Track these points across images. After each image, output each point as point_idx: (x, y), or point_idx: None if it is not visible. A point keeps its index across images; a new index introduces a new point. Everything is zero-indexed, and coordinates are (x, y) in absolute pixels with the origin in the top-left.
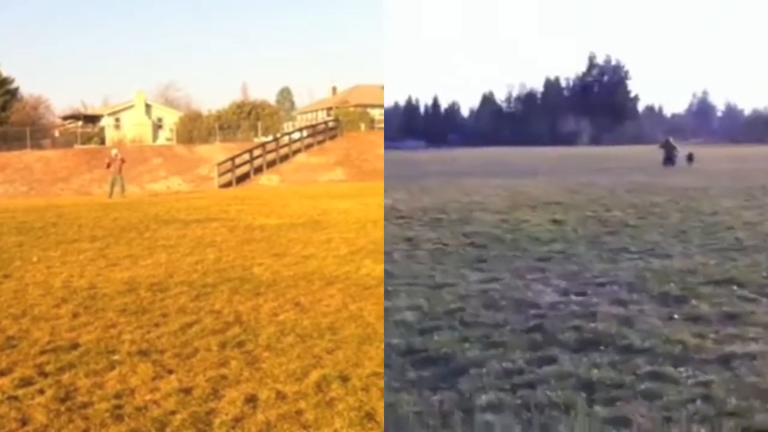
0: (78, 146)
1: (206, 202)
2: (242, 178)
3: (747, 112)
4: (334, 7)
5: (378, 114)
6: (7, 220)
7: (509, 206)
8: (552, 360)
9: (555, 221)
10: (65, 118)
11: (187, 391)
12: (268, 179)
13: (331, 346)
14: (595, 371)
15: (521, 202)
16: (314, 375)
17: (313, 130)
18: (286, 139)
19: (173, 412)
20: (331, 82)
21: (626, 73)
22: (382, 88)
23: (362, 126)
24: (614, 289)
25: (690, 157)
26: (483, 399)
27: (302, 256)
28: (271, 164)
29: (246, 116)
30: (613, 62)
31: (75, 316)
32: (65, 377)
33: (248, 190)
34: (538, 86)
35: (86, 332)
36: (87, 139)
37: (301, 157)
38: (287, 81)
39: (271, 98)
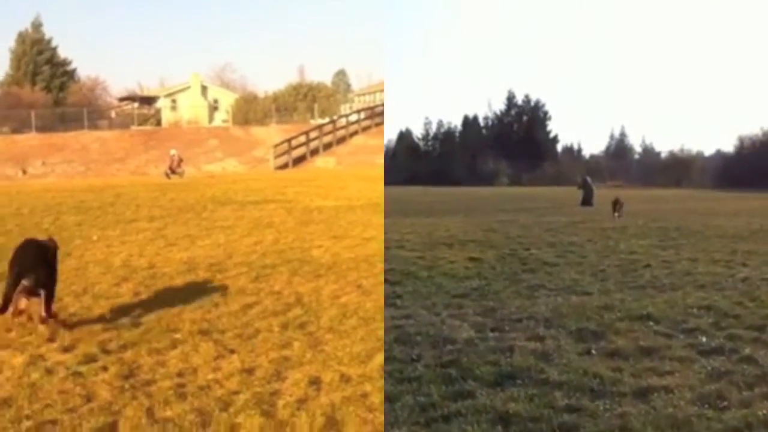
0: (134, 127)
1: (263, 183)
2: (298, 161)
3: (664, 154)
4: None
5: None
6: (67, 200)
7: (426, 244)
8: (468, 394)
9: (473, 259)
10: (122, 99)
11: (250, 371)
12: (324, 161)
13: None
14: (512, 404)
15: (438, 240)
16: (379, 358)
17: (371, 112)
18: (343, 121)
19: (236, 392)
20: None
21: (545, 113)
22: None
23: None
24: (531, 324)
25: (616, 205)
26: None
27: (362, 239)
28: (327, 146)
29: (302, 98)
30: (533, 102)
31: (136, 294)
32: (128, 355)
33: (305, 172)
34: (457, 123)
35: (147, 311)
36: (143, 120)
37: (358, 140)
38: (344, 63)
39: (328, 80)
